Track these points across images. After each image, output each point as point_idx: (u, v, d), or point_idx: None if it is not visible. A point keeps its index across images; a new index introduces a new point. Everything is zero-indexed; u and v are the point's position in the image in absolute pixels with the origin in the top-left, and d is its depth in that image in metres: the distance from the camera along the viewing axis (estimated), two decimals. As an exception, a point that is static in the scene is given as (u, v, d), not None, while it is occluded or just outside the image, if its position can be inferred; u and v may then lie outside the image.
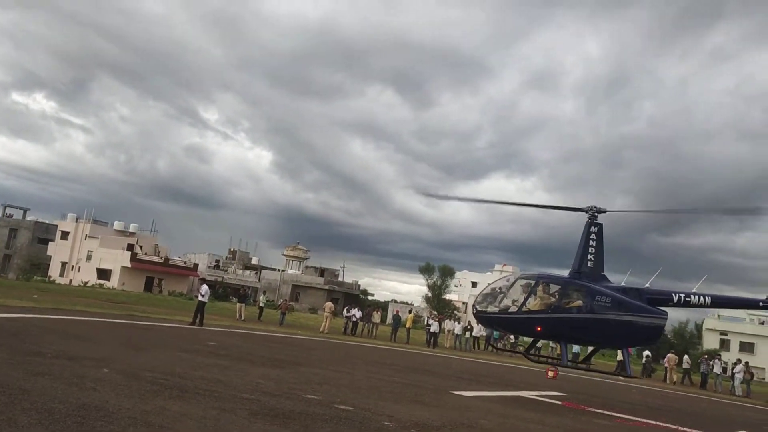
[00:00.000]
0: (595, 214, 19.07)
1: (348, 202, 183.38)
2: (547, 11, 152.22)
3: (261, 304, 37.24)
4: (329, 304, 35.67)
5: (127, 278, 65.09)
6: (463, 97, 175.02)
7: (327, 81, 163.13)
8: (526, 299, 17.46)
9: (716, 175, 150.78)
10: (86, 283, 62.67)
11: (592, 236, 19.06)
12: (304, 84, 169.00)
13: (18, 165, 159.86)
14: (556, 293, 17.87)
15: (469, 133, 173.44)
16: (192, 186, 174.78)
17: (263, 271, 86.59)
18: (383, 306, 74.01)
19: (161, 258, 71.80)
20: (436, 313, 49.07)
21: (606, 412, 14.91)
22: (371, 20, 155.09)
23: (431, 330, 35.42)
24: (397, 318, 37.20)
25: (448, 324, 38.90)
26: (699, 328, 75.17)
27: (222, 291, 72.04)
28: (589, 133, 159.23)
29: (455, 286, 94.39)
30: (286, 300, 45.22)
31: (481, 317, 18.19)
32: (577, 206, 19.15)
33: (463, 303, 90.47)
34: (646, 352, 37.62)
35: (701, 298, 20.15)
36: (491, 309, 17.80)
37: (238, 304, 34.78)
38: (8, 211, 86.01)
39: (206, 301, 25.40)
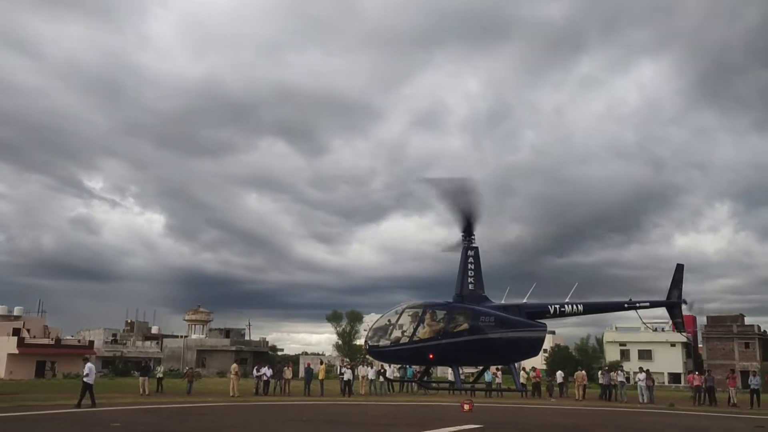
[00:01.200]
0: (471, 237, 19.94)
1: (249, 258, 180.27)
2: (426, 54, 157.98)
3: (159, 375, 35.01)
4: (234, 366, 34.62)
5: (15, 366, 60.64)
6: (355, 142, 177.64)
7: (216, 138, 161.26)
8: (416, 328, 18.06)
9: (596, 195, 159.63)
10: (-32, 377, 57.87)
11: (470, 260, 19.97)
12: (193, 143, 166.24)
13: None
14: (443, 319, 18.66)
15: (364, 176, 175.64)
16: (81, 259, 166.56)
17: (165, 339, 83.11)
18: (294, 360, 72.66)
19: (52, 339, 67.50)
20: (348, 360, 48.58)
21: (523, 438, 15.17)
22: (254, 75, 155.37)
23: (344, 378, 35.02)
24: (309, 371, 36.56)
25: (361, 370, 38.61)
26: (600, 342, 78.37)
27: (122, 366, 68.45)
28: (477, 165, 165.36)
29: (364, 330, 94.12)
30: (191, 368, 43.52)
31: (375, 352, 18.63)
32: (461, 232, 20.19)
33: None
34: (559, 372, 38.71)
35: (574, 306, 21.95)
36: (383, 342, 18.39)
37: (141, 378, 33.04)
38: None
39: (91, 382, 23.69)
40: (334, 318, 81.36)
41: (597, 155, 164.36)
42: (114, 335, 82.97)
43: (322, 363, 42.20)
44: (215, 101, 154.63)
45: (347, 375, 35.14)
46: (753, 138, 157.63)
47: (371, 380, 37.31)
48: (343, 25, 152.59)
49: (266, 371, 35.20)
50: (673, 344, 73.70)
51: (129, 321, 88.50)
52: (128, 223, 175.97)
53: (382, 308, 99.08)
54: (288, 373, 36.43)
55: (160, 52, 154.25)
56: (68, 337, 72.93)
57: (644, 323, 78.15)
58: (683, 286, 24.27)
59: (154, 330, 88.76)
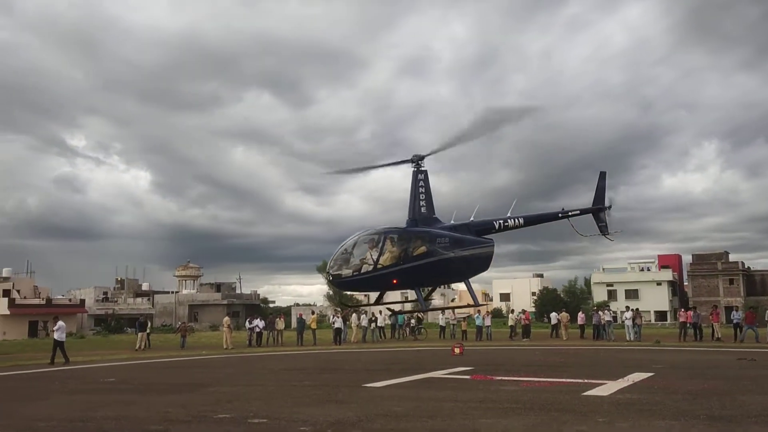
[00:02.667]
0: (419, 162, 20.11)
1: (237, 212, 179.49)
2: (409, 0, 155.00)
3: (148, 331, 34.49)
4: (226, 319, 34.86)
5: (7, 326, 60.84)
6: (340, 92, 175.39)
7: (199, 91, 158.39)
8: (378, 256, 18.32)
9: (583, 138, 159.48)
10: (-39, 339, 58.08)
11: (420, 183, 20.08)
12: (176, 97, 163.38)
13: None
14: (404, 244, 18.89)
15: (351, 126, 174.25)
16: (67, 219, 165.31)
17: (157, 295, 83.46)
18: (286, 312, 73.31)
19: (43, 299, 67.63)
20: (339, 309, 49.11)
21: (512, 378, 15.50)
22: (235, 26, 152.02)
23: (336, 327, 35.46)
24: (301, 321, 36.93)
25: (353, 319, 39.06)
26: (588, 283, 79.55)
27: (115, 323, 68.85)
28: (465, 112, 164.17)
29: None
30: (184, 322, 43.86)
31: (338, 282, 18.93)
32: (404, 159, 20.21)
33: (365, 296, 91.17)
34: (553, 314, 39.24)
35: (516, 220, 22.38)
36: (346, 272, 18.43)
37: (139, 334, 33.16)
38: None
39: (62, 339, 24.09)
40: (323, 268, 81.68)
41: (584, 98, 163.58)
42: (105, 293, 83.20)
43: (313, 313, 42.57)
44: (196, 53, 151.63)
45: (338, 324, 35.54)
46: (740, 77, 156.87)
47: (363, 328, 37.78)
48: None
49: (258, 323, 35.52)
50: (659, 283, 74.84)
51: (119, 279, 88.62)
52: (114, 181, 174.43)
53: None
54: (280, 324, 36.79)
55: (137, 3, 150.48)
56: (59, 297, 73.08)
57: (630, 263, 79.29)
58: (606, 192, 25.51)
59: (145, 287, 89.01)
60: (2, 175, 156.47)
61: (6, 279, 70.31)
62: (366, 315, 38.84)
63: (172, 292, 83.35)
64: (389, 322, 39.78)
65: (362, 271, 18.19)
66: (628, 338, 32.74)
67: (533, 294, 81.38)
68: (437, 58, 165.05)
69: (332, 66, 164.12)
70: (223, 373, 18.86)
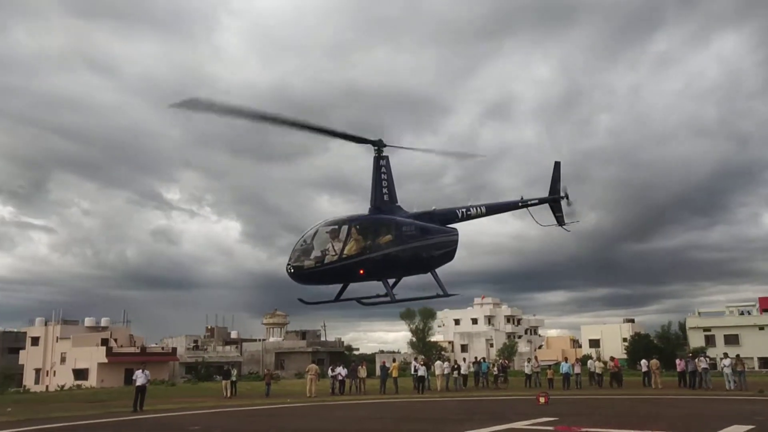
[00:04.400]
0: (382, 147, 19.42)
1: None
2: (494, 43, 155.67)
3: (233, 379, 35.24)
4: (312, 367, 35.15)
5: (105, 374, 63.38)
6: (424, 137, 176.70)
7: (288, 142, 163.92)
8: (343, 245, 17.32)
9: (676, 176, 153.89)
10: (63, 386, 60.73)
11: (383, 170, 19.31)
12: (266, 149, 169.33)
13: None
14: (370, 233, 18.02)
15: (436, 172, 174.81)
16: (163, 269, 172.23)
17: (245, 343, 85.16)
18: (371, 359, 73.26)
19: (137, 348, 70.24)
20: (422, 357, 48.67)
21: (600, 429, 14.84)
22: (323, 78, 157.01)
23: (418, 375, 35.07)
24: (383, 369, 36.76)
25: (436, 366, 38.52)
26: (683, 328, 75.76)
27: (204, 371, 70.55)
28: (551, 154, 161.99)
29: (438, 326, 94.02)
30: (269, 370, 44.45)
31: (299, 275, 17.48)
32: (367, 138, 19.32)
33: (449, 342, 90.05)
34: (643, 361, 37.50)
35: (478, 209, 21.82)
36: (307, 263, 17.27)
37: (224, 382, 33.96)
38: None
39: (142, 384, 24.97)
40: (407, 316, 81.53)
41: (676, 135, 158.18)
42: (195, 341, 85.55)
43: (395, 360, 42.32)
44: (285, 106, 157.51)
45: (421, 372, 35.16)
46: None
47: (446, 376, 37.20)
48: (408, 22, 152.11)
49: (341, 371, 35.60)
50: (761, 327, 70.42)
51: (209, 327, 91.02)
52: (206, 232, 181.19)
53: (456, 304, 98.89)
54: (362, 371, 36.72)
55: (231, 61, 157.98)
56: (152, 345, 75.71)
57: (728, 306, 75.08)
58: (560, 183, 25.45)
59: (234, 335, 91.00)
60: (105, 228, 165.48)
61: (104, 328, 73.59)
62: (449, 363, 38.26)
63: (260, 340, 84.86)
64: (472, 370, 39.03)
65: (325, 261, 17.10)
66: (727, 387, 30.80)
67: (624, 340, 78.08)
68: (521, 100, 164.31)
69: (416, 112, 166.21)
70: (305, 424, 18.94)
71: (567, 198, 25.13)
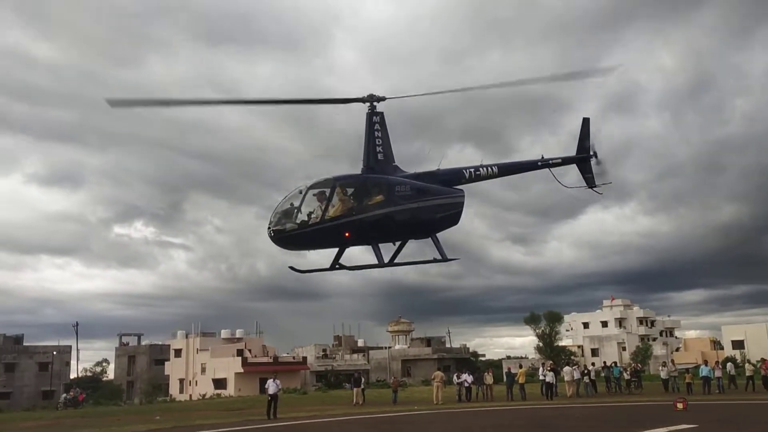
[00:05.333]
0: (374, 103, 17.94)
1: (446, 266, 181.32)
2: (613, 35, 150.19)
3: (362, 387, 36.14)
4: (438, 374, 35.20)
5: (241, 384, 66.47)
6: (544, 138, 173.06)
7: (407, 151, 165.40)
8: (326, 207, 16.26)
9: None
10: (204, 395, 64.36)
11: (376, 126, 17.91)
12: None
13: (129, 293, 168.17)
14: (357, 193, 16.87)
15: (558, 172, 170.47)
16: (291, 280, 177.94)
17: (371, 351, 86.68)
18: (496, 365, 72.33)
19: (270, 357, 73.16)
20: (550, 362, 47.42)
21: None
22: (437, 84, 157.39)
23: (546, 381, 34.26)
24: (510, 375, 36.21)
25: (566, 372, 37.47)
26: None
27: (334, 379, 72.38)
28: (680, 145, 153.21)
29: (566, 330, 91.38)
30: (396, 377, 44.99)
31: (280, 238, 16.55)
32: (356, 97, 17.78)
33: (578, 347, 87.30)
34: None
35: (489, 169, 20.00)
36: (289, 226, 16.32)
37: (354, 389, 34.84)
38: (124, 339, 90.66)
39: (273, 392, 26.64)
40: (531, 320, 79.87)
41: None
42: (324, 350, 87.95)
43: (521, 366, 41.55)
44: (402, 115, 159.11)
45: (549, 377, 34.33)
46: None
47: (576, 381, 36.11)
48: (522, 20, 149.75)
49: (467, 377, 35.43)
50: None
51: (337, 336, 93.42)
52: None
53: (584, 306, 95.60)
54: (488, 378, 36.35)
55: (345, 74, 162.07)
56: (284, 355, 78.60)
57: None
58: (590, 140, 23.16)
59: (360, 343, 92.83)
60: (237, 243, 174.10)
61: (239, 339, 77.27)
62: (578, 367, 37.12)
63: (386, 348, 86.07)
64: (603, 375, 37.66)
65: (308, 224, 16.08)
66: None
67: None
68: (645, 91, 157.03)
69: (534, 112, 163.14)
70: (432, 430, 19.03)
71: (596, 157, 23.31)
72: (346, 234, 16.46)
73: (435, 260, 19.04)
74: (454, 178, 19.14)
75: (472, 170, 19.59)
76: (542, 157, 21.80)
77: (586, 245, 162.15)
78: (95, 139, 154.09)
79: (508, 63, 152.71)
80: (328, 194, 16.37)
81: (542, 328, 79.00)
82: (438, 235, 18.38)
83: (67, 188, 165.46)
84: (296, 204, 16.39)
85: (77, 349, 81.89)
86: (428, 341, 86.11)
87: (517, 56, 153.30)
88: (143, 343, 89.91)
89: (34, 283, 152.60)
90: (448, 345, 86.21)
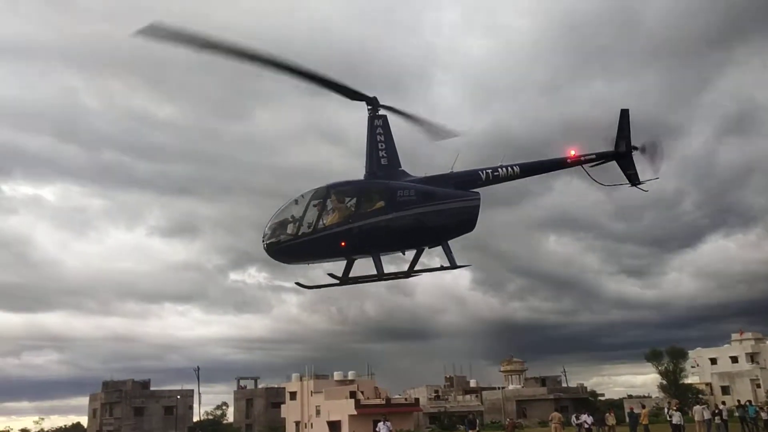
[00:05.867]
0: (378, 106, 16.87)
1: (557, 302, 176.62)
2: (724, 53, 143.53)
3: (477, 429, 35.64)
4: (556, 415, 34.07)
5: (355, 426, 66.70)
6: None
7: (510, 185, 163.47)
8: (320, 215, 15.42)
9: None
10: (320, 437, 65.23)
11: (379, 130, 16.79)
12: (489, 194, 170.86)
13: (245, 338, 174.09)
14: (354, 200, 15.87)
15: (672, 199, 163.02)
16: (400, 321, 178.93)
17: (484, 391, 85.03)
18: (617, 404, 68.96)
19: (382, 399, 73.15)
20: (675, 401, 44.66)
21: None
22: (539, 116, 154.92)
23: (674, 422, 32.27)
24: (632, 416, 34.48)
25: (695, 411, 35.14)
26: None
27: (447, 420, 71.36)
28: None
29: (692, 367, 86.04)
30: (511, 419, 43.83)
31: (275, 250, 15.78)
32: (360, 92, 16.56)
33: (706, 384, 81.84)
34: None
35: (509, 169, 18.52)
36: (283, 237, 15.57)
37: (469, 431, 34.35)
38: (242, 382, 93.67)
39: None
40: (653, 357, 75.92)
41: None
42: (436, 391, 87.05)
43: (644, 407, 39.48)
44: (503, 147, 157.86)
45: (676, 418, 32.34)
46: None
47: (706, 421, 33.81)
48: (623, 46, 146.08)
49: (587, 418, 34.13)
50: None
51: (448, 376, 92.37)
52: (438, 282, 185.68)
53: (712, 341, 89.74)
54: (610, 419, 34.80)
55: (446, 113, 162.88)
56: (396, 396, 78.41)
57: None
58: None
59: (473, 383, 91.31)
60: (347, 287, 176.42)
61: (351, 381, 77.86)
62: (708, 407, 34.82)
63: (499, 388, 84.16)
64: (737, 415, 35.09)
65: (300, 233, 15.26)
66: None
67: None
68: (763, 110, 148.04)
69: (644, 138, 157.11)
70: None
71: (642, 149, 21.22)
72: (342, 243, 15.68)
73: (443, 267, 17.99)
74: (469, 180, 18.03)
75: (489, 171, 18.42)
76: (574, 153, 20.32)
77: (708, 275, 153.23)
78: (209, 190, 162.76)
79: (611, 90, 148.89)
80: (321, 203, 15.78)
81: (665, 365, 74.97)
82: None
83: (186, 238, 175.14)
84: (290, 215, 15.89)
85: (199, 393, 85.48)
86: (543, 381, 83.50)
87: (620, 83, 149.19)
88: (260, 386, 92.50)
89: (158, 330, 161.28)
90: (564, 384, 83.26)
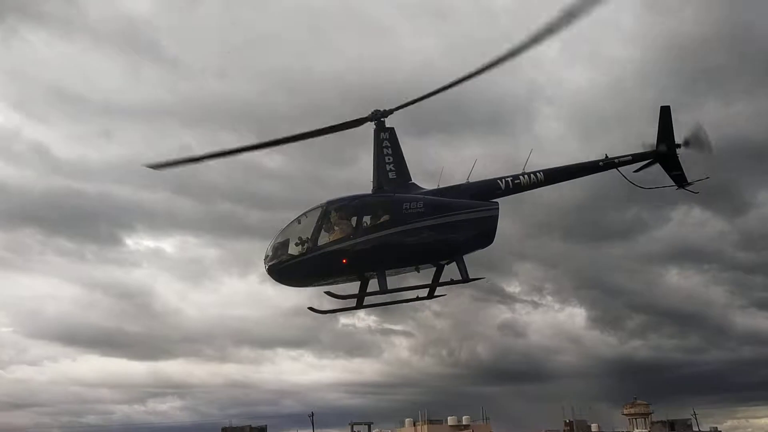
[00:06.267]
0: (381, 119, 15.98)
1: (682, 339, 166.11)
2: None
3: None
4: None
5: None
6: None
7: (623, 218, 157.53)
8: (318, 233, 14.80)
9: None
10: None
11: (385, 143, 16.01)
12: (601, 229, 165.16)
13: (358, 382, 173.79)
14: (354, 216, 15.06)
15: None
16: (513, 362, 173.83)
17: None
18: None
19: (499, 445, 70.80)
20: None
21: None
22: (648, 144, 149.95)
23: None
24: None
25: None
26: None
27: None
28: None
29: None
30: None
31: (276, 272, 15.22)
32: (360, 117, 15.92)
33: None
34: None
35: (531, 176, 17.51)
36: (282, 258, 15.07)
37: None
38: (356, 428, 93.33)
39: None
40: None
41: None
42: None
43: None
44: (615, 183, 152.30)
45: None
46: None
47: None
48: (739, 65, 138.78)
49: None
50: None
51: (567, 420, 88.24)
52: (551, 321, 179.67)
53: None
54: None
55: (551, 145, 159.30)
56: (514, 441, 75.71)
57: None
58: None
59: (594, 427, 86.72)
60: (456, 327, 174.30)
61: (466, 426, 75.91)
62: None
63: (624, 432, 79.59)
64: None
65: (298, 253, 14.75)
66: None
67: None
68: None
69: (761, 158, 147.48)
70: None
71: (685, 143, 19.42)
72: (344, 260, 15.03)
73: (453, 281, 16.93)
74: (487, 190, 17.06)
75: (509, 180, 17.44)
76: (606, 156, 18.89)
77: None
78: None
79: (726, 113, 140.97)
80: (320, 220, 15.20)
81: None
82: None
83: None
84: (290, 235, 15.47)
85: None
86: (672, 424, 78.26)
87: (737, 105, 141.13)
88: (373, 431, 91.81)
89: (273, 375, 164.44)
90: (695, 428, 77.56)
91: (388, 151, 16.34)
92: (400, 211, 15.41)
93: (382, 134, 16.38)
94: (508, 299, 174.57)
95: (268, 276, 15.63)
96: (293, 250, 15.26)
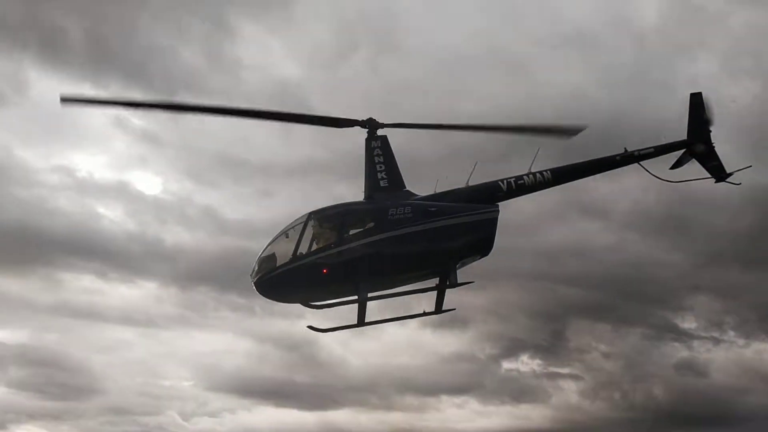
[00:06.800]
0: (374, 129, 15.99)
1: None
2: None
3: None
4: None
5: None
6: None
7: (664, 259, 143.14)
8: (298, 244, 14.57)
9: None
10: None
11: (377, 152, 15.86)
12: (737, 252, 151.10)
13: (526, 429, 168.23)
14: (336, 224, 14.78)
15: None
16: (696, 405, 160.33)
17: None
18: None
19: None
20: None
21: None
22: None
23: None
24: None
25: None
26: None
27: None
28: None
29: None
30: None
31: (262, 285, 15.07)
32: (354, 119, 15.70)
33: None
34: None
35: (537, 176, 16.23)
36: (265, 271, 14.90)
37: None
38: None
39: None
40: None
41: None
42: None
43: None
44: (645, 217, 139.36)
45: None
46: None
47: None
48: None
49: None
50: None
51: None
52: (735, 358, 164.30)
53: None
54: None
55: (723, 160, 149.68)
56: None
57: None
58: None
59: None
60: (627, 368, 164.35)
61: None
62: None
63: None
64: None
65: (279, 265, 14.47)
66: None
67: None
68: None
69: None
70: None
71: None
72: (323, 270, 14.60)
73: (438, 287, 16.30)
74: (486, 193, 16.13)
75: (511, 181, 16.24)
76: (625, 150, 17.14)
77: None
78: (479, 278, 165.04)
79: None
80: (302, 230, 15.02)
81: None
82: None
83: (457, 329, 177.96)
84: (276, 249, 15.31)
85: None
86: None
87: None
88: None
89: (438, 423, 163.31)
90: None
91: (379, 159, 16.27)
92: (385, 217, 15.02)
93: (373, 142, 16.37)
94: (683, 336, 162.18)
95: (256, 291, 15.74)
96: (278, 262, 15.20)
